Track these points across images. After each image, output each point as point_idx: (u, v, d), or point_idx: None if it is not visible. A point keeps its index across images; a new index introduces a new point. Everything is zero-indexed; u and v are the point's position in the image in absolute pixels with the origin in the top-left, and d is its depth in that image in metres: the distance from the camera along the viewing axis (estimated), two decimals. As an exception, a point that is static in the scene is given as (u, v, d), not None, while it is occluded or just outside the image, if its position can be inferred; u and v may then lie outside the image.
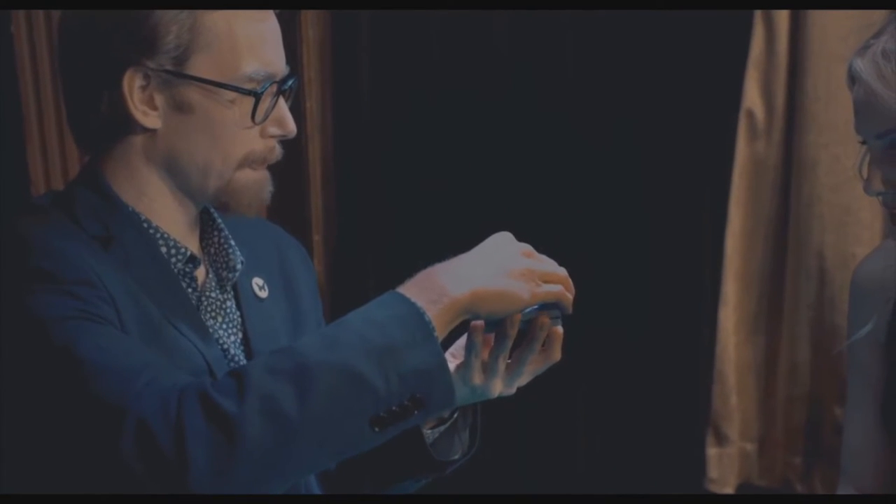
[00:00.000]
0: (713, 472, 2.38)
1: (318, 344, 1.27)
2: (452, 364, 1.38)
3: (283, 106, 1.45)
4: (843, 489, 1.71)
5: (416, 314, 1.27)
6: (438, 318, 1.28)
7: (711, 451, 2.38)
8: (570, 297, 1.36)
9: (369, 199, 2.61)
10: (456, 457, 1.55)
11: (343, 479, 1.62)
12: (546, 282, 1.34)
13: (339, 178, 2.60)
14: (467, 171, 2.56)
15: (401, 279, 1.38)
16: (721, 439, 2.38)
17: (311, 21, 2.52)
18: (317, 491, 1.55)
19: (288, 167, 2.37)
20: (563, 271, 1.36)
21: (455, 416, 1.52)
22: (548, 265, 1.36)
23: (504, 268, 1.32)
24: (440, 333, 1.28)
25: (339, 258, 2.63)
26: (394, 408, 1.26)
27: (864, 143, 1.48)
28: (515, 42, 2.51)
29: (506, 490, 2.47)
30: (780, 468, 2.41)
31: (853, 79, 1.46)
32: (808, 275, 2.30)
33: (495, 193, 2.52)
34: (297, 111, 2.38)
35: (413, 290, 1.30)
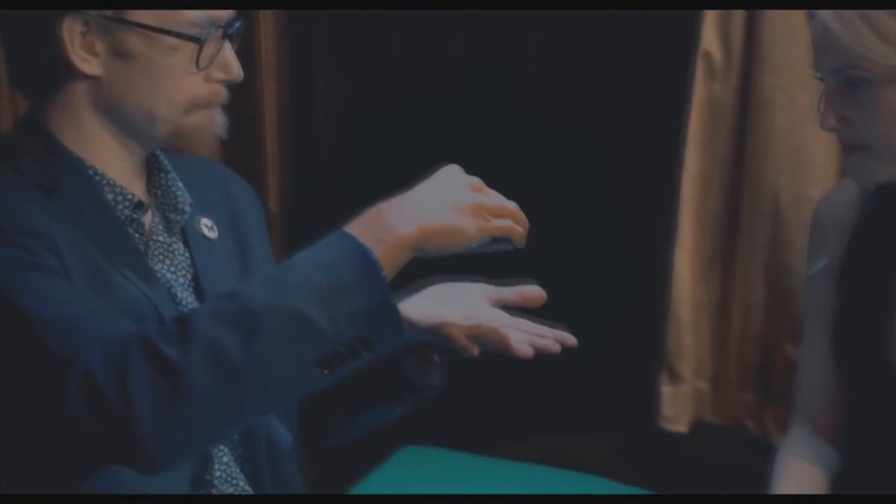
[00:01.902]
0: (667, 410, 2.40)
1: (264, 287, 1.26)
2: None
3: (228, 50, 1.42)
4: (796, 425, 1.74)
5: (363, 254, 1.26)
6: (386, 256, 1.27)
7: (665, 390, 2.40)
8: (520, 230, 1.36)
9: (325, 141, 2.60)
10: (434, 384, 1.57)
11: (314, 406, 1.63)
12: (495, 216, 1.34)
13: (294, 120, 2.59)
14: (424, 110, 2.55)
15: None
16: (675, 378, 2.40)
17: (264, -39, 2.49)
18: (277, 425, 1.56)
19: (242, 110, 2.36)
20: (512, 205, 1.36)
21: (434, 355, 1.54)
22: (497, 199, 1.35)
23: (452, 203, 1.31)
24: (388, 271, 1.27)
25: (294, 200, 2.63)
26: (342, 349, 1.25)
27: (820, 79, 1.50)
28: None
29: (458, 432, 2.49)
30: (733, 406, 2.43)
31: (811, 15, 1.48)
32: (762, 215, 2.31)
33: (454, 128, 2.52)
34: (250, 53, 2.36)
35: (360, 228, 1.28)
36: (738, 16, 2.29)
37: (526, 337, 1.50)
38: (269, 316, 1.23)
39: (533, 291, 1.52)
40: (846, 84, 1.45)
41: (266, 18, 2.49)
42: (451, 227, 1.30)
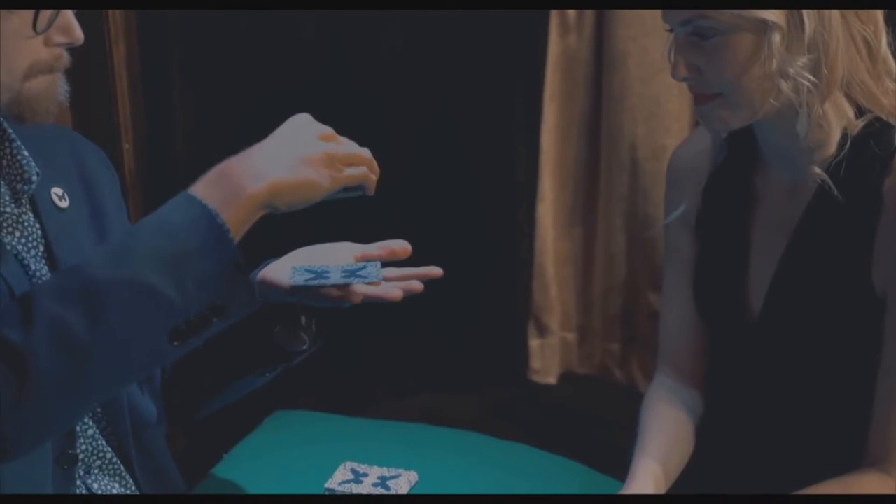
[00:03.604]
0: (535, 362, 2.43)
1: (107, 258, 1.21)
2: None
3: (67, 13, 1.36)
4: (661, 369, 1.77)
5: (208, 217, 1.21)
6: (235, 217, 1.22)
7: (533, 343, 2.43)
8: (374, 177, 1.33)
9: (179, 105, 2.55)
10: (304, 348, 1.55)
11: (181, 376, 1.60)
12: (348, 164, 1.30)
13: (147, 84, 2.53)
14: (279, 72, 2.52)
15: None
16: (542, 330, 2.42)
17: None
18: (140, 397, 1.53)
19: (93, 75, 2.30)
20: (366, 152, 1.33)
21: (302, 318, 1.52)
22: (349, 147, 1.31)
23: (302, 155, 1.26)
24: (238, 231, 1.23)
25: (149, 166, 2.58)
26: (192, 318, 1.21)
27: (670, 30, 1.52)
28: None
29: (331, 395, 2.48)
30: (599, 356, 2.47)
31: (659, -32, 1.49)
32: (620, 167, 2.34)
33: (312, 87, 2.49)
34: (100, 16, 2.29)
35: (206, 189, 1.23)
36: (591, -31, 2.31)
37: (392, 283, 1.48)
38: (113, 288, 1.18)
39: (399, 245, 1.50)
40: (695, 34, 1.47)
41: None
42: (303, 181, 1.26)
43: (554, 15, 2.32)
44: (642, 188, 2.33)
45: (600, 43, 2.32)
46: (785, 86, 1.45)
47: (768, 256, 1.60)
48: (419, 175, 2.47)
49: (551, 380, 2.45)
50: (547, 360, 2.44)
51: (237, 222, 1.23)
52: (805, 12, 1.43)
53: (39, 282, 1.39)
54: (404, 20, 2.46)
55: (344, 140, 1.32)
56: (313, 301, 1.46)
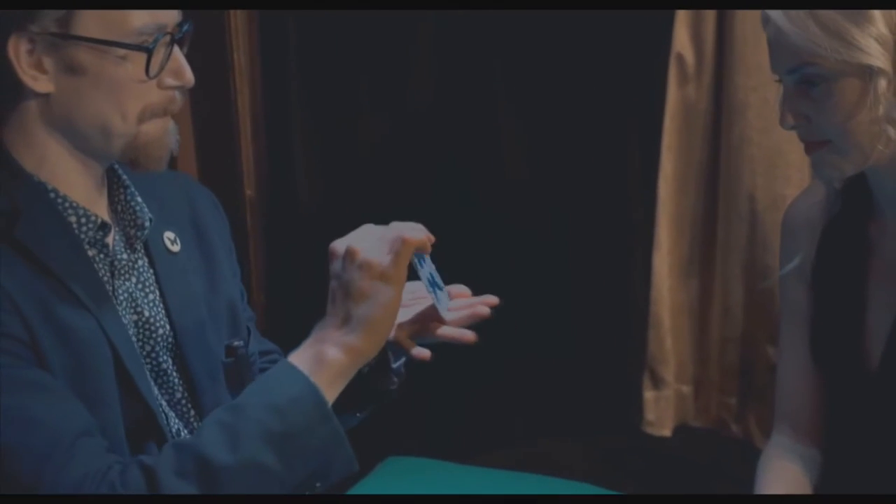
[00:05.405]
0: (650, 414, 2.40)
1: (221, 441, 1.30)
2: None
3: (178, 56, 1.41)
4: (778, 427, 1.74)
5: (313, 393, 1.32)
6: (330, 386, 1.34)
7: (648, 395, 2.40)
8: (420, 235, 1.37)
9: (301, 151, 2.60)
10: (393, 386, 1.57)
11: None
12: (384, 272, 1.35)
13: (270, 131, 2.58)
14: (400, 113, 2.54)
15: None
16: (657, 382, 2.39)
17: (238, -31, 2.48)
18: None
19: (217, 121, 2.36)
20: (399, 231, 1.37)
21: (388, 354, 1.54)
22: (372, 252, 1.36)
23: (356, 292, 1.34)
24: (334, 395, 1.34)
25: (271, 212, 2.62)
26: (295, 484, 1.32)
27: (779, 80, 1.52)
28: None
29: (444, 441, 2.49)
30: (716, 409, 2.43)
31: (766, 19, 1.50)
32: (739, 217, 2.31)
33: (423, 143, 2.51)
34: (225, 63, 2.35)
35: (305, 361, 1.34)
36: (710, 17, 2.30)
37: (460, 315, 1.49)
38: (227, 473, 1.28)
39: (487, 301, 1.52)
40: (803, 82, 1.47)
41: (238, 27, 2.45)
42: (385, 308, 1.35)
43: (673, 64, 2.30)
44: (761, 239, 2.29)
45: (719, 93, 2.30)
46: (892, 132, 1.43)
47: (886, 306, 1.58)
48: (536, 223, 2.47)
49: (666, 432, 2.41)
50: (661, 412, 2.41)
51: (333, 390, 1.35)
52: None
53: (149, 329, 1.44)
54: (522, 67, 2.48)
55: (364, 255, 1.36)
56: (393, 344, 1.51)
